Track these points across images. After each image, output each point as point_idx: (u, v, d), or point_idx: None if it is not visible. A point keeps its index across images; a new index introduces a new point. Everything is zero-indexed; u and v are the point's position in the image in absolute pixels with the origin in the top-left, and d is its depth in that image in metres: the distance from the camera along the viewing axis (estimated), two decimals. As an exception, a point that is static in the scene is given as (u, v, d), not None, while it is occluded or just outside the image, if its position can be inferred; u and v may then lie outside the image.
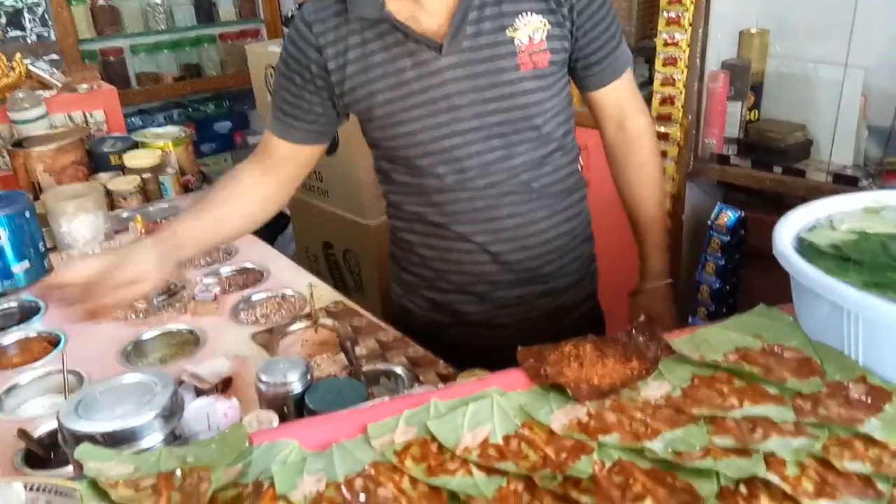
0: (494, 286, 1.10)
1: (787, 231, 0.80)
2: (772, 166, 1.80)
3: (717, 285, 1.85)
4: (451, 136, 0.99)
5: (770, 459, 0.60)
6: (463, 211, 1.05)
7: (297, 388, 0.94)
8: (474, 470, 0.62)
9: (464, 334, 1.14)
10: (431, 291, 1.14)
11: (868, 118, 1.72)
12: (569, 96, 1.07)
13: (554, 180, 1.07)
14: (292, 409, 0.95)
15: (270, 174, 1.06)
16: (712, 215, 1.86)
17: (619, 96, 1.08)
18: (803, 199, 0.84)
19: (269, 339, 1.22)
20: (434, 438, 0.66)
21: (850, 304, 0.68)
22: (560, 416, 0.68)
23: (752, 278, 1.89)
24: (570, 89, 1.08)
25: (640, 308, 1.16)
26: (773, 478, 0.58)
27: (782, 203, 1.84)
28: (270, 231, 2.94)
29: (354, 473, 0.63)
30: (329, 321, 1.25)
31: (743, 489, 0.58)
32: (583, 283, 1.17)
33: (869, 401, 0.65)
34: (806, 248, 0.78)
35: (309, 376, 0.96)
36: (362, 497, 0.59)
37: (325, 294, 1.35)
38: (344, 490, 0.61)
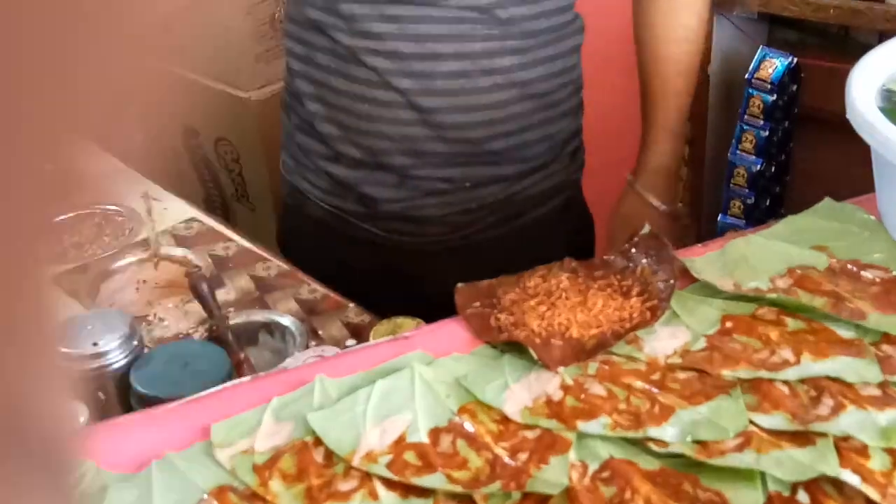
0: (420, 160, 1.07)
1: (866, 81, 0.74)
2: (838, -14, 1.73)
3: (759, 166, 1.81)
4: None
5: (843, 447, 0.55)
6: (386, 34, 1.01)
7: (116, 360, 0.85)
8: (380, 489, 0.56)
9: (379, 231, 1.12)
10: (331, 162, 1.12)
11: None
12: None
13: (535, 13, 1.04)
14: (113, 394, 0.86)
15: None
16: (751, 65, 1.81)
17: None
18: (881, 38, 0.78)
19: (83, 282, 1.13)
20: (319, 441, 0.59)
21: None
22: (519, 394, 0.63)
23: (808, 156, 1.86)
24: None
25: (616, 232, 1.18)
26: (850, 477, 0.53)
27: (850, 43, 1.79)
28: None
29: (185, 509, 0.55)
30: (178, 251, 1.17)
31: (803, 497, 0.53)
32: (554, 167, 1.15)
33: None
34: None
35: (136, 340, 0.88)
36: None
37: (173, 209, 1.26)
38: (165, 539, 0.53)
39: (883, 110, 0.70)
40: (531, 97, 1.07)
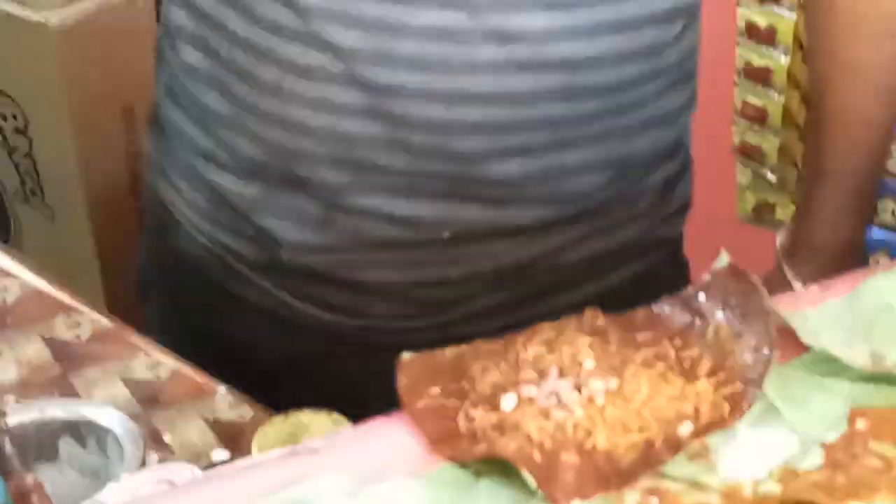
0: (361, 178, 0.99)
1: None
2: None
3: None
4: None
5: None
6: None
7: None
8: None
9: (285, 296, 1.06)
10: (215, 166, 1.05)
11: None
12: None
13: None
14: None
15: None
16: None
17: None
18: None
19: None
20: None
21: None
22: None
23: None
24: None
25: None
26: None
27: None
28: None
29: None
30: None
31: None
32: (621, 212, 1.05)
33: None
34: None
35: None
36: None
37: None
38: None
39: None
40: (587, 91, 0.95)
